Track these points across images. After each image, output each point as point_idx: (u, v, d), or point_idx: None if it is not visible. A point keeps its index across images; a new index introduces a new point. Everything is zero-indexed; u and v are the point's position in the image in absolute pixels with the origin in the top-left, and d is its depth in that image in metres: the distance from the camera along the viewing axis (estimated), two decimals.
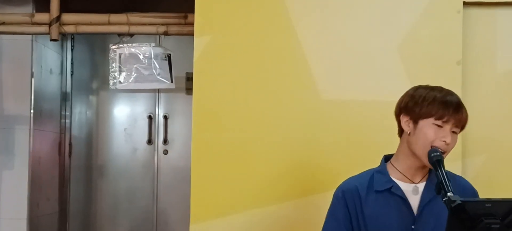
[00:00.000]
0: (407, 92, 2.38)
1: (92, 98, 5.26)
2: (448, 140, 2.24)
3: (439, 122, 2.25)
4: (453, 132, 2.27)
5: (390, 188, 2.32)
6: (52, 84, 4.90)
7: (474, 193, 2.43)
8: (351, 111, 3.24)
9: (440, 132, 2.25)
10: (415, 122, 2.29)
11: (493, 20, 3.31)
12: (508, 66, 3.30)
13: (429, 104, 2.26)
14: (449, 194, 1.95)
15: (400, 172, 2.35)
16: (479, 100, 3.29)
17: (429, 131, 2.25)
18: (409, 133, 2.31)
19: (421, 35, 3.24)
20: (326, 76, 3.27)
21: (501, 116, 3.30)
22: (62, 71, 5.09)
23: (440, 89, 2.32)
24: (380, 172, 2.38)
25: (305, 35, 3.28)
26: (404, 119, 2.34)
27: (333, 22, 3.29)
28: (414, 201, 2.31)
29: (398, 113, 2.37)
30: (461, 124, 2.29)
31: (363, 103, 3.22)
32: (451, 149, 2.28)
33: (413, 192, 2.32)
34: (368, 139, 3.17)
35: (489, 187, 3.08)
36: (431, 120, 2.25)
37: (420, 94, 2.31)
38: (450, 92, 2.31)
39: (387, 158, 2.43)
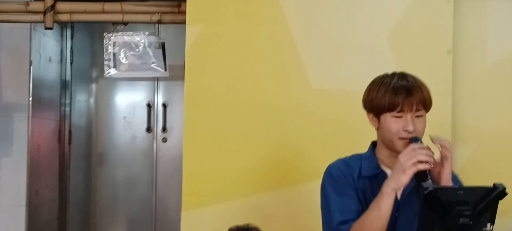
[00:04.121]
0: (366, 89, 2.36)
1: (92, 86, 5.28)
2: (410, 128, 2.21)
3: (394, 113, 2.23)
4: (418, 116, 2.24)
5: (378, 174, 2.33)
6: (51, 72, 4.91)
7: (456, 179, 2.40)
8: (341, 101, 3.26)
9: (400, 122, 2.23)
10: (377, 117, 2.30)
11: (483, 9, 3.34)
12: (499, 55, 3.33)
13: (381, 98, 2.25)
14: (425, 181, 1.98)
15: (383, 161, 2.35)
16: (469, 90, 3.32)
17: (391, 125, 2.24)
18: (377, 128, 2.33)
19: (411, 24, 3.26)
20: (316, 66, 3.29)
21: (491, 105, 3.32)
22: (61, 60, 5.10)
23: (391, 76, 2.30)
24: (368, 158, 2.39)
25: (296, 25, 3.30)
26: (369, 116, 2.35)
27: (323, 12, 3.31)
28: None
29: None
30: (421, 106, 2.23)
31: (352, 93, 3.17)
32: (422, 132, 2.25)
33: None
34: (358, 128, 3.13)
35: (478, 176, 3.10)
36: (388, 114, 2.24)
37: (373, 89, 2.30)
38: (401, 76, 2.28)
39: (374, 144, 2.43)
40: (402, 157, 2.12)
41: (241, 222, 2.80)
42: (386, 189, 2.14)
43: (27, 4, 3.68)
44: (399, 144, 2.24)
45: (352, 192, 2.33)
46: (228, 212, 3.21)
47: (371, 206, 2.20)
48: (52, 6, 3.58)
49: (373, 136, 2.53)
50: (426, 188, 1.85)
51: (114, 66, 3.67)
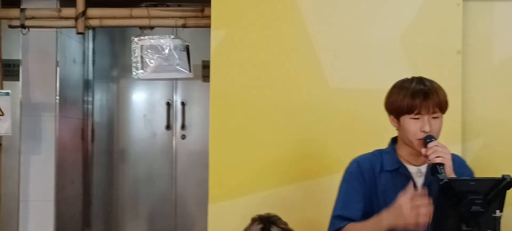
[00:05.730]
0: (387, 93, 2.51)
1: (113, 86, 5.36)
2: (427, 128, 2.37)
3: (412, 115, 2.39)
4: (434, 117, 2.40)
5: (398, 168, 2.51)
6: (75, 73, 5.00)
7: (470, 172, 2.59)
8: (357, 99, 3.40)
9: (418, 124, 2.39)
10: (398, 119, 2.46)
11: (491, 12, 3.46)
12: (505, 55, 3.46)
13: (401, 101, 2.41)
14: (440, 174, 2.17)
15: (404, 157, 2.53)
16: (478, 87, 3.45)
17: (409, 127, 2.41)
18: (398, 129, 2.50)
19: (422, 26, 3.39)
20: (333, 66, 3.43)
21: (498, 102, 3.46)
22: (84, 61, 5.19)
23: (410, 81, 2.44)
24: (389, 153, 2.56)
25: (314, 28, 3.43)
26: (390, 118, 2.52)
27: (340, 15, 3.44)
28: (419, 181, 2.49)
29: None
30: (437, 108, 2.39)
31: (368, 91, 3.38)
32: (438, 132, 2.42)
33: (417, 174, 2.50)
34: (372, 124, 3.33)
35: (487, 168, 3.21)
36: (407, 116, 2.41)
37: (393, 93, 2.46)
38: (419, 81, 2.42)
39: (394, 140, 2.59)
40: (404, 203, 2.24)
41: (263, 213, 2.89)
42: (384, 222, 2.32)
43: (60, 10, 3.81)
44: (417, 144, 2.42)
45: (360, 192, 2.51)
46: (252, 204, 3.34)
47: (373, 220, 2.38)
48: (83, 12, 3.71)
49: (387, 132, 2.67)
50: (442, 180, 2.03)
51: (142, 68, 3.80)
